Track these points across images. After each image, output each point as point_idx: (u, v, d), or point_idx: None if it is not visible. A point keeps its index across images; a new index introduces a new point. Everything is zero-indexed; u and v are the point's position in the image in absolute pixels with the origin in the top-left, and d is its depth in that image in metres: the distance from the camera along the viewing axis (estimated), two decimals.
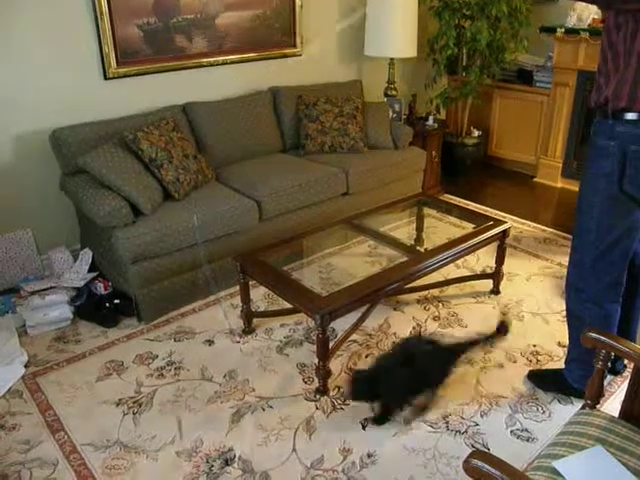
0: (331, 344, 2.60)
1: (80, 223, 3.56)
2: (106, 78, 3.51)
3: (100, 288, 3.20)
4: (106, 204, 2.95)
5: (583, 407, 1.84)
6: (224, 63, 4.02)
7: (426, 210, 3.83)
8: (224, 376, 2.71)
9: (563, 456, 1.56)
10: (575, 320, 2.43)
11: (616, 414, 1.80)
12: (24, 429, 2.41)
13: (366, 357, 2.83)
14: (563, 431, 1.70)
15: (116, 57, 3.49)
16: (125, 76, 3.58)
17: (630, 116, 2.04)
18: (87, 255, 3.36)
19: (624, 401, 1.80)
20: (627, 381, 1.84)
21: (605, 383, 2.46)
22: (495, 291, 3.36)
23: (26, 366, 2.78)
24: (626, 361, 2.61)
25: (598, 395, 1.82)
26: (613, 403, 2.45)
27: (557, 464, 1.53)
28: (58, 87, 3.35)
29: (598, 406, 1.85)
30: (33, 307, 3.06)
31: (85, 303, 3.19)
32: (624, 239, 2.21)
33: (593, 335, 1.74)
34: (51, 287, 3.24)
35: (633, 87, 1.99)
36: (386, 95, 4.78)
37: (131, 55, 3.57)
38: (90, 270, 3.33)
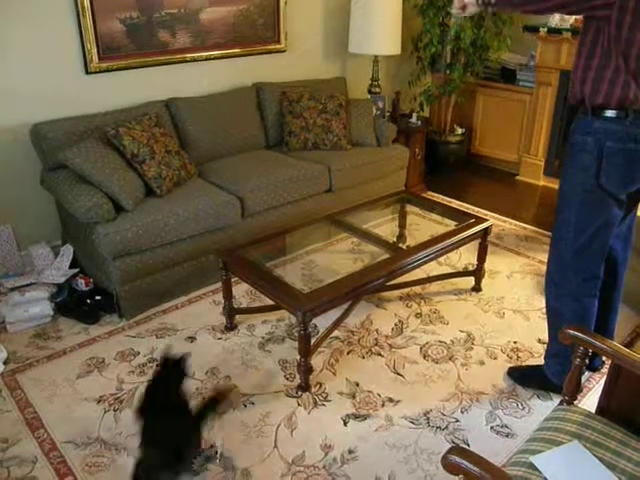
0: (313, 341, 2.61)
1: (61, 219, 3.53)
2: (88, 73, 3.48)
3: (81, 284, 3.18)
4: (87, 200, 2.92)
5: (561, 403, 1.87)
6: (208, 59, 4.00)
7: (409, 207, 3.85)
8: (206, 373, 2.71)
9: (540, 451, 1.58)
10: (554, 314, 2.46)
11: (594, 410, 1.83)
12: (2, 427, 2.38)
13: (348, 354, 2.84)
14: (541, 427, 1.72)
15: (98, 51, 3.46)
16: (107, 71, 3.55)
17: (609, 113, 2.09)
18: (68, 251, 3.34)
19: (601, 397, 1.83)
20: (604, 377, 1.87)
21: (583, 379, 2.51)
22: (477, 288, 3.39)
23: (5, 363, 2.75)
24: (604, 357, 2.64)
25: (575, 391, 1.84)
26: (591, 399, 2.48)
27: (534, 459, 1.55)
28: (39, 81, 3.31)
29: (576, 402, 1.87)
30: (13, 303, 3.03)
31: (66, 299, 3.16)
32: (601, 234, 2.25)
33: (571, 332, 1.77)
34: (31, 283, 3.21)
35: (610, 85, 2.04)
36: (370, 92, 4.79)
37: (113, 50, 3.54)
38: (71, 266, 3.31)
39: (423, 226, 4.02)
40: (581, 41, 2.11)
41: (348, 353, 2.85)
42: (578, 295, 2.36)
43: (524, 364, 2.77)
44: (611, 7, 1.92)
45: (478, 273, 3.37)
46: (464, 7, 2.24)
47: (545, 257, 2.47)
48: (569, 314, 2.37)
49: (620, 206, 2.22)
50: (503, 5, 2.27)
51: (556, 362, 2.50)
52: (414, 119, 4.79)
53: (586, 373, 2.65)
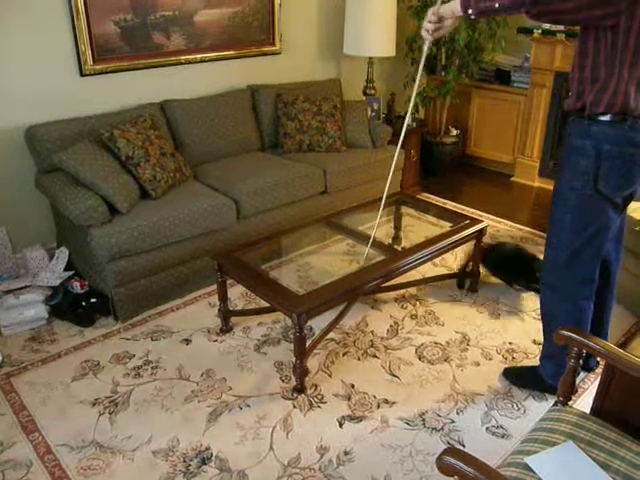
0: (308, 342, 2.61)
1: (56, 221, 3.52)
2: (82, 75, 3.47)
3: (76, 287, 3.17)
4: (82, 202, 2.92)
5: (555, 404, 1.87)
6: (202, 61, 4.00)
7: (404, 209, 3.86)
8: (201, 375, 2.70)
9: (535, 452, 1.59)
10: (549, 317, 2.46)
11: (589, 410, 1.83)
12: None
13: (343, 356, 2.84)
14: (536, 427, 1.72)
15: (92, 53, 3.46)
16: (102, 73, 3.54)
17: (606, 117, 2.07)
18: (63, 254, 3.33)
19: (595, 397, 1.83)
20: (599, 378, 1.87)
21: (578, 380, 2.52)
22: (472, 289, 3.39)
23: (0, 366, 2.74)
24: (598, 358, 2.65)
25: (570, 392, 1.85)
26: (586, 399, 2.49)
27: (529, 460, 1.55)
28: (33, 83, 3.31)
29: (571, 402, 1.88)
30: (7, 306, 3.02)
31: (61, 302, 3.15)
32: (597, 238, 2.25)
33: (566, 333, 1.77)
34: (26, 286, 3.20)
35: (613, 95, 2.02)
36: (365, 94, 4.79)
37: (108, 52, 3.53)
38: (66, 269, 3.30)
39: (418, 227, 4.02)
40: (582, 53, 2.07)
41: (343, 355, 2.85)
42: (573, 298, 2.36)
43: (519, 365, 2.78)
44: (620, 15, 1.89)
45: (473, 274, 3.38)
46: (441, 19, 2.22)
47: (540, 258, 2.48)
48: (564, 316, 2.36)
49: (616, 209, 2.22)
50: (544, 16, 2.05)
51: (551, 363, 2.50)
52: (409, 121, 4.79)
53: (581, 374, 2.66)
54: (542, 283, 2.46)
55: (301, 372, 2.56)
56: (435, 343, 2.94)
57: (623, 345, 2.87)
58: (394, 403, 2.53)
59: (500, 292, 3.39)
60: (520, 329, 3.05)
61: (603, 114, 2.06)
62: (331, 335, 2.94)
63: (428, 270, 3.55)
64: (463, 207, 4.55)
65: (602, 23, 1.95)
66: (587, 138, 2.12)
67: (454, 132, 5.31)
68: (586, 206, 2.20)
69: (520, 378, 2.65)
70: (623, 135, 2.06)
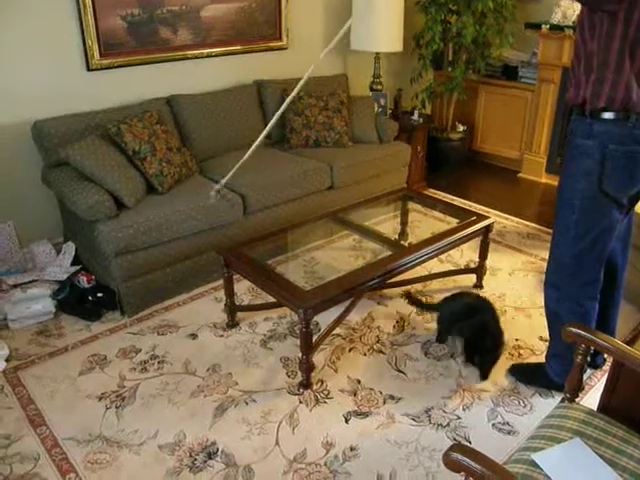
0: (315, 338, 2.61)
1: (63, 216, 3.53)
2: (89, 69, 3.48)
3: (83, 281, 3.18)
4: (89, 197, 2.92)
5: (562, 400, 1.86)
6: (209, 56, 4.00)
7: (410, 205, 3.84)
8: (207, 370, 2.71)
9: (542, 449, 1.58)
10: (554, 317, 2.45)
11: (596, 407, 1.83)
12: (4, 424, 2.38)
13: (349, 351, 2.84)
14: (542, 424, 1.72)
15: (99, 48, 3.46)
16: (109, 68, 3.55)
17: (608, 115, 2.04)
18: (70, 248, 3.34)
19: (602, 394, 1.83)
20: (606, 375, 1.86)
21: (585, 377, 2.50)
22: (478, 285, 3.38)
23: (7, 360, 2.75)
24: (606, 355, 2.64)
25: (577, 389, 1.84)
26: (593, 396, 2.48)
27: (536, 457, 1.55)
28: (40, 78, 3.32)
29: (578, 399, 1.87)
30: (15, 300, 3.03)
31: (68, 296, 3.16)
32: (602, 238, 2.22)
33: (574, 330, 1.76)
34: (33, 280, 3.22)
35: (612, 88, 1.99)
36: (372, 89, 4.78)
37: (115, 46, 3.54)
38: (73, 263, 3.31)
39: (425, 223, 4.02)
40: (579, 41, 2.06)
41: (350, 350, 2.85)
42: (578, 298, 2.35)
43: (526, 362, 2.77)
44: (622, 2, 1.87)
45: (480, 270, 3.37)
46: None
47: (547, 254, 2.46)
48: (569, 316, 2.33)
49: (621, 210, 2.20)
50: None
51: (557, 362, 2.49)
52: (416, 116, 4.78)
53: (588, 371, 2.65)
54: (546, 281, 2.45)
55: (307, 367, 2.56)
56: None
57: (631, 342, 2.86)
58: (400, 399, 2.53)
59: (507, 288, 3.38)
60: (526, 326, 3.04)
61: (605, 110, 2.04)
62: (337, 331, 2.94)
63: (434, 266, 3.54)
64: (469, 203, 4.54)
65: (602, 6, 1.92)
66: (590, 138, 2.09)
67: (461, 128, 5.29)
68: (590, 207, 2.17)
69: (526, 375, 2.64)
70: (628, 133, 2.03)
